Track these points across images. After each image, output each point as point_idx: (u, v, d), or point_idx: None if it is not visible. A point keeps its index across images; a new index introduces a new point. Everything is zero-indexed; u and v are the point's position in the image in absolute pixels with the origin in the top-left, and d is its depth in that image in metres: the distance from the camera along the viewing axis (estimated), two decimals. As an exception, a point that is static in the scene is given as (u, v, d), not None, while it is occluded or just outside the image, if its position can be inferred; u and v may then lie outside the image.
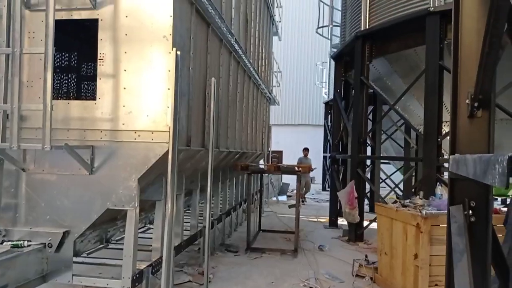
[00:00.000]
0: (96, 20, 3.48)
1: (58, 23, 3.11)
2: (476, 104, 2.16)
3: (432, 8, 5.91)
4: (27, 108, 3.12)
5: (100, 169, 3.47)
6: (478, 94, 2.16)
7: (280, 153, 20.95)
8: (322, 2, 10.93)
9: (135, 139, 3.45)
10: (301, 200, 10.90)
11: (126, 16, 3.47)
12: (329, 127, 16.60)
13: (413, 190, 8.97)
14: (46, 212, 3.51)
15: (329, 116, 17.15)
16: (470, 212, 1.97)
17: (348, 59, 8.85)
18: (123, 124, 3.47)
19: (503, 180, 1.02)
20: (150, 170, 3.47)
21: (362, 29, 7.44)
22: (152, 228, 4.51)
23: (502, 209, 5.00)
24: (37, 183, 3.54)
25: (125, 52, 3.46)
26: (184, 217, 5.27)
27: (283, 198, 14.70)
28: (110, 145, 3.47)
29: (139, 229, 5.27)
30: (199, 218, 5.71)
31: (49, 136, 2.92)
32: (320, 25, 11.23)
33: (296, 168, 7.15)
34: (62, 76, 5.75)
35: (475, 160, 1.31)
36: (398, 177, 12.46)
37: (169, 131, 3.36)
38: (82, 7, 3.48)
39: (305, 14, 21.72)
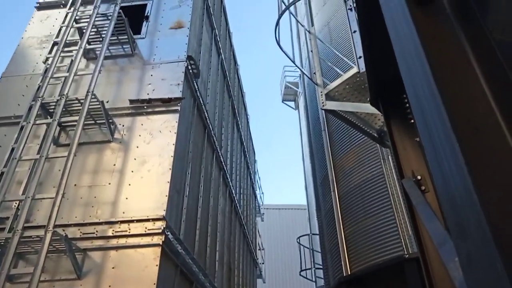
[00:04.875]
0: (77, 291, 3.44)
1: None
2: None
3: (407, 255, 6.19)
4: None
5: None
6: None
7: None
8: (302, 245, 11.47)
9: None
10: None
11: (113, 267, 3.48)
12: None
13: None
14: None
15: None
16: None
17: (337, 304, 8.49)
18: None
19: None
20: None
21: (344, 274, 7.50)
22: None
23: None
24: None
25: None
26: None
27: None
28: None
29: None
30: None
31: None
32: (303, 267, 11.39)
33: None
34: None
35: None
36: None
37: None
38: (66, 277, 3.51)
39: (288, 253, 22.15)
